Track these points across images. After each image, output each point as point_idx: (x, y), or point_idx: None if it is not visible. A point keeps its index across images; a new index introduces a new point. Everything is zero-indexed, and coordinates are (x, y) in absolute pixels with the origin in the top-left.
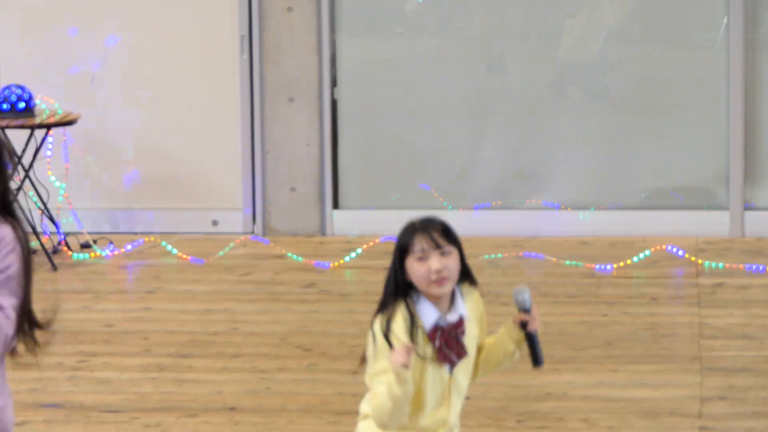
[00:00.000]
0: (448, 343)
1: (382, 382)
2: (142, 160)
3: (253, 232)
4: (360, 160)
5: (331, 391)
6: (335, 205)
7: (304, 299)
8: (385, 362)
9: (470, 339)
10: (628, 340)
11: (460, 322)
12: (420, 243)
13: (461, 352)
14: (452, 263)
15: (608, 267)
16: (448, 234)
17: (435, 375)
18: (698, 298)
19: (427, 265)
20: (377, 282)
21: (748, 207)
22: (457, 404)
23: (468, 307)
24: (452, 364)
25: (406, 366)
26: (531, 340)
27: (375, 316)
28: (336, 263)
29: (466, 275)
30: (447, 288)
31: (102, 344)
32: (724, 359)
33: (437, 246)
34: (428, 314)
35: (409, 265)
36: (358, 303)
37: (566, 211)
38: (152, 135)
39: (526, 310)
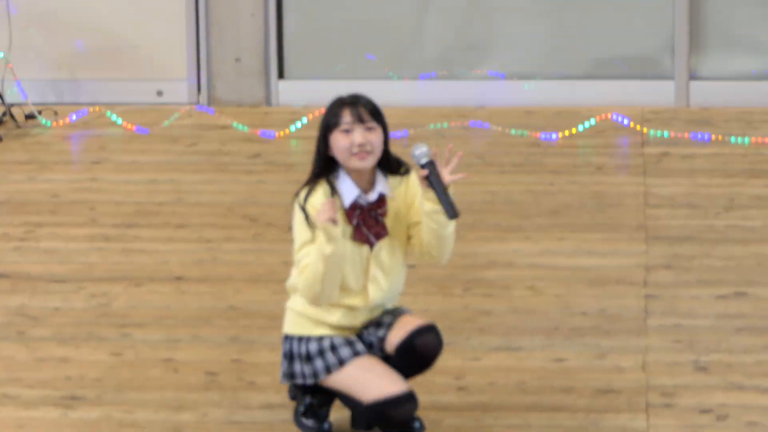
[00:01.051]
0: (366, 222)
1: (308, 254)
2: (87, 31)
3: (198, 102)
4: (305, 30)
5: (277, 260)
6: (280, 75)
7: (250, 169)
8: (307, 233)
9: (393, 218)
10: (575, 208)
11: (381, 202)
12: (345, 116)
13: (380, 231)
14: (376, 139)
15: (553, 136)
16: (374, 112)
17: (354, 253)
18: (643, 167)
19: (350, 138)
20: None
21: (693, 76)
22: (382, 281)
23: (397, 189)
24: (371, 244)
25: (333, 221)
26: (436, 192)
27: (298, 191)
28: (281, 133)
29: (388, 162)
30: (368, 162)
31: (48, 214)
32: (669, 228)
33: (362, 120)
34: (348, 191)
35: (333, 138)
36: (303, 173)
37: (511, 80)
38: (97, 5)
39: (422, 166)
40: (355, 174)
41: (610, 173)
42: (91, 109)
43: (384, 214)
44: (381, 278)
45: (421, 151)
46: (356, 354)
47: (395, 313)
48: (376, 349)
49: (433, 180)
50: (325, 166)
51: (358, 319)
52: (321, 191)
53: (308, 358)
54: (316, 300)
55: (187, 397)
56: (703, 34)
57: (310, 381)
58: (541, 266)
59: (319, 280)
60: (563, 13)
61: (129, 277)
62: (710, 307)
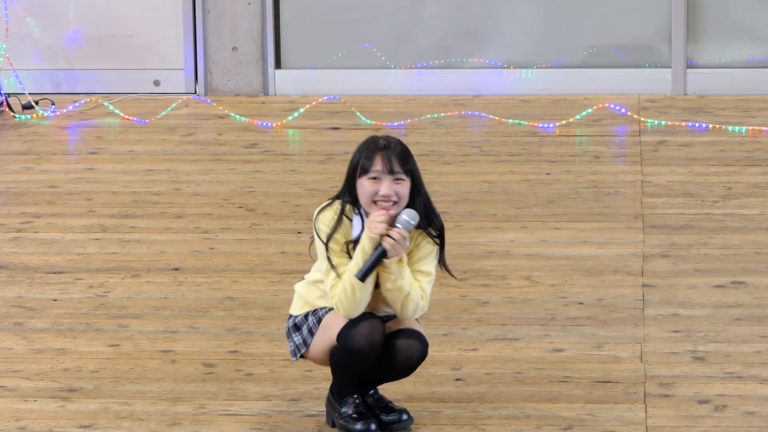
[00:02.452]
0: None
1: (334, 285)
2: (84, 20)
3: (195, 92)
4: (302, 18)
5: (274, 250)
6: (277, 64)
7: (246, 159)
8: (324, 261)
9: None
10: (571, 198)
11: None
12: (377, 164)
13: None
14: (402, 190)
15: (550, 125)
16: (405, 161)
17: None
18: (640, 156)
19: (377, 187)
20: (319, 142)
21: (690, 65)
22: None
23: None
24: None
25: (387, 228)
26: (375, 251)
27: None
28: (278, 123)
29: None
30: (389, 214)
31: (45, 205)
32: (666, 217)
33: (392, 171)
34: (356, 227)
35: (359, 182)
36: (300, 163)
37: (509, 69)
38: None
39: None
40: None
41: (607, 162)
42: (88, 99)
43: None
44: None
45: (406, 219)
46: None
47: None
48: None
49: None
50: (350, 196)
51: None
52: (332, 212)
53: (297, 328)
54: (351, 315)
55: (185, 388)
56: (700, 22)
57: (303, 350)
58: (538, 256)
59: (353, 302)
60: (560, 1)
61: (126, 268)
62: (708, 297)
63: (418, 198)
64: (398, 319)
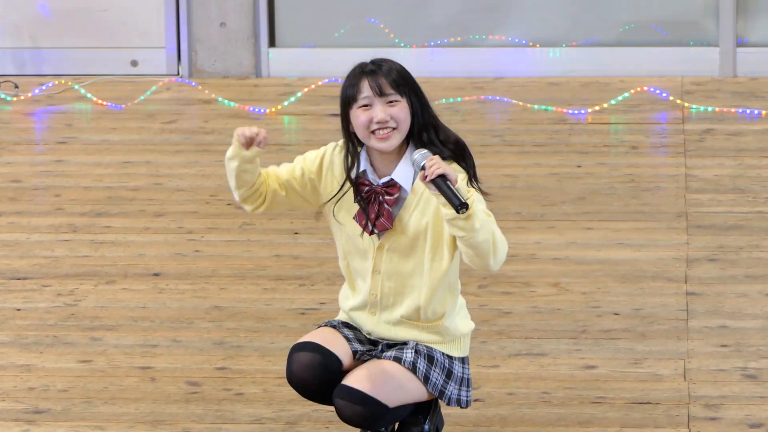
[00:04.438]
0: (370, 206)
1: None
2: None
3: (177, 74)
4: None
5: (267, 253)
6: (271, 42)
7: None
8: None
9: (410, 216)
10: (605, 194)
11: (391, 187)
12: (364, 89)
13: (383, 223)
14: (400, 114)
15: (582, 112)
16: (398, 82)
17: (354, 237)
18: (684, 146)
19: (370, 114)
20: (319, 130)
21: (740, 43)
22: (387, 281)
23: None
24: (368, 232)
25: (243, 136)
26: (437, 188)
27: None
28: (273, 109)
29: (422, 141)
30: (391, 143)
31: (8, 202)
32: (713, 216)
33: (382, 93)
34: (361, 164)
35: (352, 114)
36: (298, 154)
37: (534, 48)
38: None
39: (422, 168)
40: (377, 154)
41: (645, 153)
42: (56, 81)
43: (390, 203)
44: (387, 276)
45: (420, 155)
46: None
47: (401, 353)
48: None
49: (436, 181)
50: (350, 137)
51: (370, 321)
52: (334, 146)
53: None
54: (234, 190)
55: (166, 410)
56: None
57: None
58: (567, 260)
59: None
60: None
61: (99, 274)
62: (760, 306)
63: (420, 118)
64: (366, 369)
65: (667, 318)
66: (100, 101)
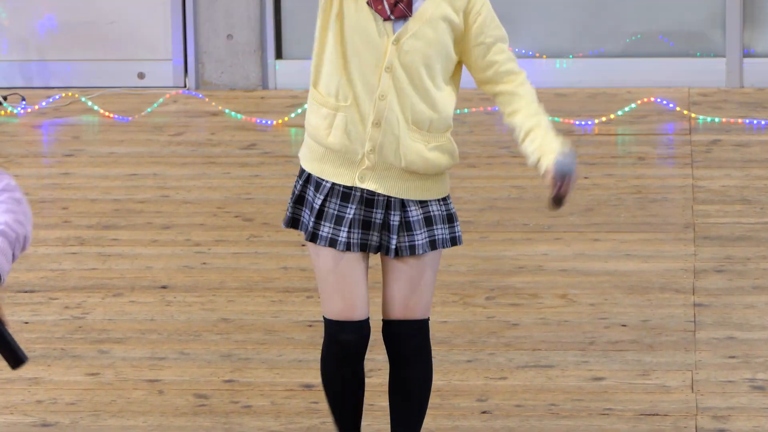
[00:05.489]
0: None
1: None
2: (59, 5)
3: (184, 86)
4: (307, 2)
5: (275, 265)
6: (278, 54)
7: (243, 162)
8: None
9: (432, 15)
10: (612, 205)
11: None
12: None
13: (402, 9)
14: None
15: (589, 122)
16: None
17: (369, 22)
18: (691, 157)
19: None
20: None
21: (747, 53)
22: (398, 87)
23: None
24: (384, 16)
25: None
26: (555, 203)
27: None
28: (280, 121)
29: None
30: None
31: None
32: (721, 227)
33: None
34: None
35: None
36: None
37: (540, 59)
38: None
39: (561, 177)
40: None
41: (653, 164)
42: (63, 94)
43: None
44: (398, 80)
45: (572, 160)
46: (333, 243)
47: (413, 225)
48: (372, 249)
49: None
50: None
51: (363, 147)
52: None
53: (293, 191)
54: None
55: (174, 422)
56: (758, 4)
57: (301, 231)
58: (575, 271)
59: None
60: None
61: (107, 286)
62: None
63: None
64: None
65: (674, 329)
66: (107, 113)
